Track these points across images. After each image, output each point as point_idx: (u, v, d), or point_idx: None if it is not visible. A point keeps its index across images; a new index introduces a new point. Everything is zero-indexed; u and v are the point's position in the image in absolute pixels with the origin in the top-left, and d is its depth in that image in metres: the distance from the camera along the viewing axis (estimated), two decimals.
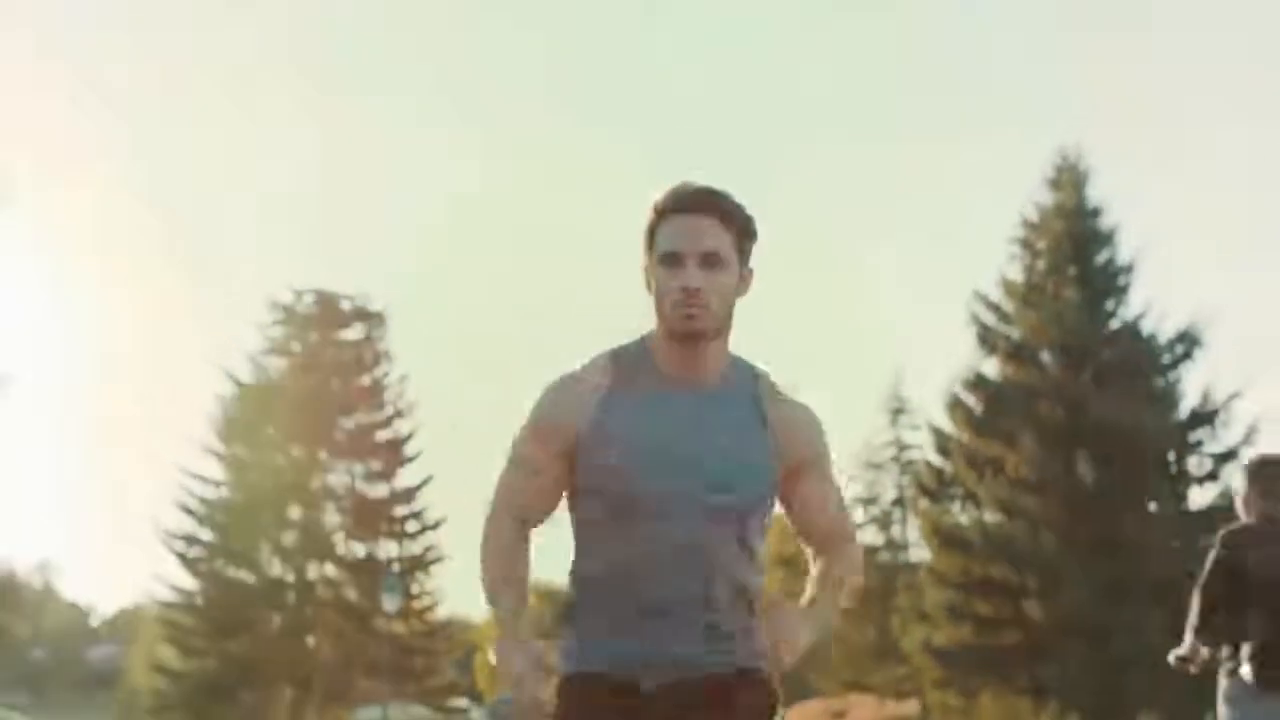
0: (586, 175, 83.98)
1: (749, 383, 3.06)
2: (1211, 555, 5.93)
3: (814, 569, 3.18)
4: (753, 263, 3.04)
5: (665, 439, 2.96)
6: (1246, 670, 5.85)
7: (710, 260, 2.94)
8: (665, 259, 2.96)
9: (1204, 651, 5.94)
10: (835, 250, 76.82)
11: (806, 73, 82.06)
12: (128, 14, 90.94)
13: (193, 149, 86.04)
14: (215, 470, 38.07)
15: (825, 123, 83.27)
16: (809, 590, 3.15)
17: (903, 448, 42.99)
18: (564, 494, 3.07)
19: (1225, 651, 5.95)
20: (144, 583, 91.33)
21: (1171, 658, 6.05)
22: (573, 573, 3.09)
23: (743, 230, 3.00)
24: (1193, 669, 6.05)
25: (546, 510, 3.09)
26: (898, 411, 43.69)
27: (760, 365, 3.12)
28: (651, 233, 3.01)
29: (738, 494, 2.98)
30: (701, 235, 2.94)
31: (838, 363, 72.49)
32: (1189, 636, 5.97)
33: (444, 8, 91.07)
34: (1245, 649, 5.88)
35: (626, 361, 3.05)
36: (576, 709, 3.01)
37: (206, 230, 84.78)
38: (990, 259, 33.76)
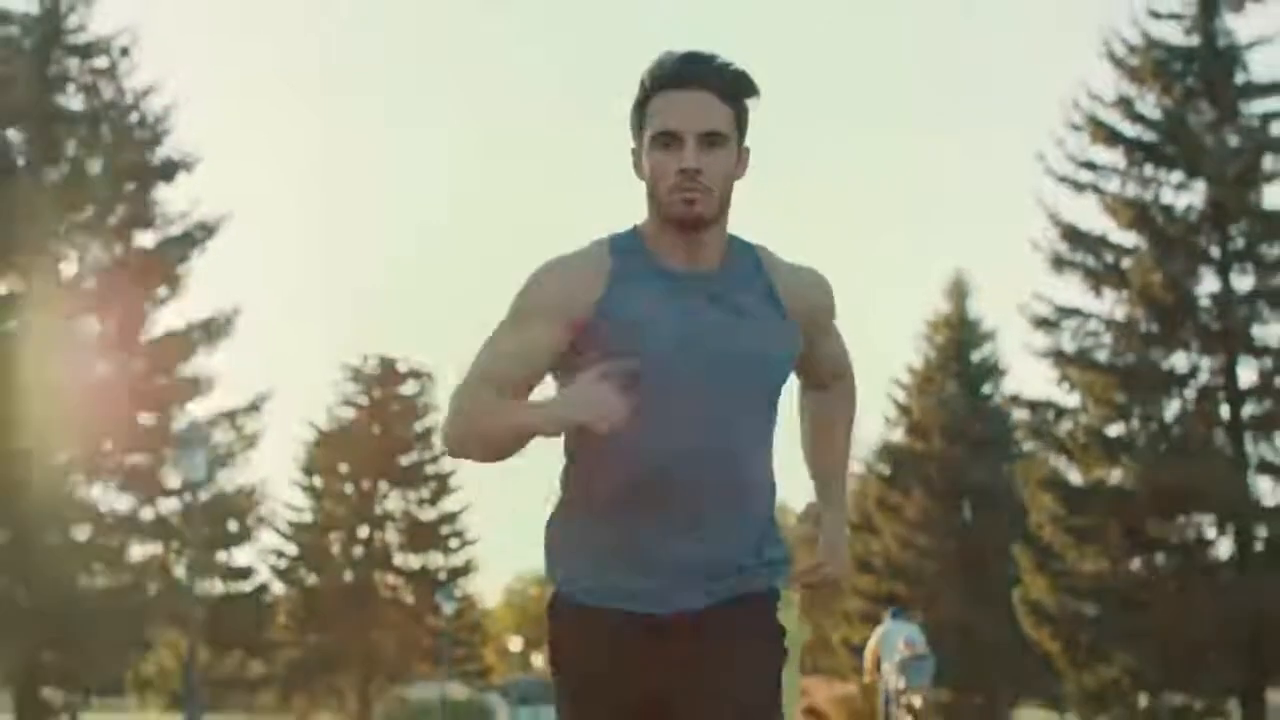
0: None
1: (750, 260, 2.72)
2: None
3: (809, 399, 2.97)
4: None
5: (691, 327, 2.61)
6: None
7: (710, 140, 2.59)
8: (660, 139, 2.60)
9: None
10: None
11: (807, 68, 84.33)
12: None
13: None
14: (300, 498, 43.43)
15: (831, 116, 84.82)
16: (817, 455, 2.94)
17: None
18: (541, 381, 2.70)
19: None
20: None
21: None
22: (576, 485, 2.71)
23: (743, 102, 2.66)
24: None
25: (526, 393, 2.67)
26: None
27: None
28: (641, 110, 2.65)
29: (769, 377, 2.69)
30: (700, 112, 2.59)
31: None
32: None
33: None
34: None
35: (624, 248, 2.67)
36: (586, 647, 2.68)
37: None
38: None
